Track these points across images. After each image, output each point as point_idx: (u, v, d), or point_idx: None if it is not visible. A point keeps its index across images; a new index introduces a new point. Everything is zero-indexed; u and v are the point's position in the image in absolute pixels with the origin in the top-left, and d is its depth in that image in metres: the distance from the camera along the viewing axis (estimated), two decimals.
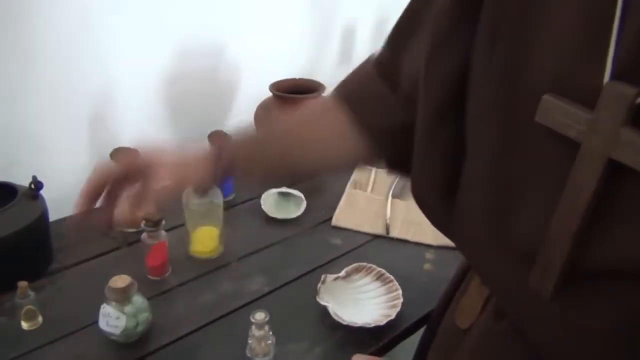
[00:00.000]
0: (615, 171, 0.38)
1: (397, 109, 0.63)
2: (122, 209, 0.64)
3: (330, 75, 1.60)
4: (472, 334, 0.61)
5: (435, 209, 0.58)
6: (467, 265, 0.71)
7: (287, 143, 0.69)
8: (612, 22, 0.37)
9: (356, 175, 1.29)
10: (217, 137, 1.12)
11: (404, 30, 0.63)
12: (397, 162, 0.67)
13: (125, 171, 0.63)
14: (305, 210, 1.14)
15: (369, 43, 1.67)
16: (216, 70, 1.34)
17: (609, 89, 0.37)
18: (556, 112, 0.40)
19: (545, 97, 0.41)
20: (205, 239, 1.00)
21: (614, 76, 0.37)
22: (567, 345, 0.47)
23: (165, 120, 1.28)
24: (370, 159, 0.71)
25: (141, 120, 1.22)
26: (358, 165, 0.78)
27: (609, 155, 0.38)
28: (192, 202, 0.96)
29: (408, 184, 1.26)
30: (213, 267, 0.98)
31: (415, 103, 0.58)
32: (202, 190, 0.70)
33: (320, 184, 1.27)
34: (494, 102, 0.47)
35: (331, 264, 1.01)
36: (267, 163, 0.69)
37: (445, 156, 0.53)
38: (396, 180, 1.25)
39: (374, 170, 1.31)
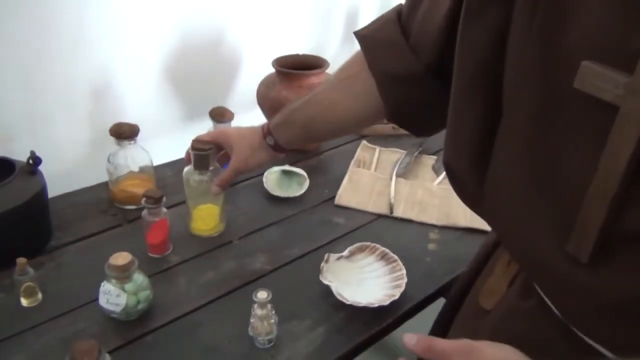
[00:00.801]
0: None
1: (404, 57, 0.68)
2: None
3: (334, 52, 1.58)
4: (496, 314, 0.61)
5: (466, 179, 0.58)
6: (492, 246, 0.70)
7: (306, 125, 0.84)
8: None
9: (360, 154, 1.27)
10: (218, 113, 1.10)
11: None
12: (395, 112, 0.75)
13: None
14: (308, 188, 1.12)
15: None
16: (218, 46, 1.31)
17: None
18: (595, 77, 0.40)
19: (585, 63, 0.40)
20: (205, 217, 0.98)
21: None
22: (598, 316, 0.47)
23: (166, 97, 1.26)
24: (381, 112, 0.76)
25: (141, 96, 1.20)
26: (373, 120, 0.85)
27: None
28: (192, 179, 0.94)
29: (412, 163, 1.25)
30: (214, 246, 0.97)
31: (420, 55, 0.67)
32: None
33: (323, 162, 1.26)
34: (533, 68, 0.46)
35: (334, 243, 0.99)
36: (297, 138, 0.87)
37: (479, 122, 0.53)
38: (400, 159, 1.23)
39: (377, 148, 1.29)
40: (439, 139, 1.33)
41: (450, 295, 0.78)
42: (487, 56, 0.51)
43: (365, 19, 1.61)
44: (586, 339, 0.49)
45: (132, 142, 1.01)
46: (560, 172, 0.45)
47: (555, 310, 0.52)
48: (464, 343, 0.46)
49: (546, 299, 0.53)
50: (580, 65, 0.40)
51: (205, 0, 1.23)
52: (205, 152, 0.90)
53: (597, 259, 0.44)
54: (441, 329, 0.76)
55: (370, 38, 0.74)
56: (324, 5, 1.51)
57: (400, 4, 0.73)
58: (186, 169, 0.96)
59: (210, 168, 0.93)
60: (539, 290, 0.54)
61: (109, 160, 1.02)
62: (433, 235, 1.03)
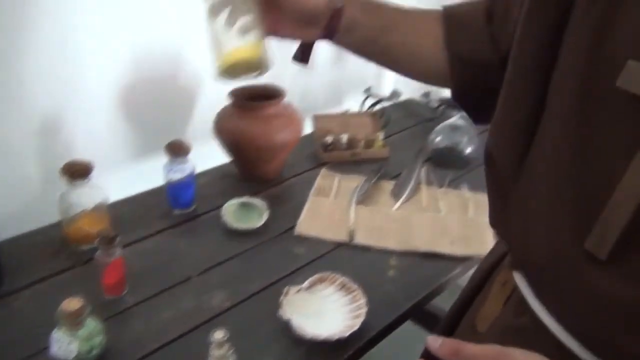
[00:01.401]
0: None
1: (482, 42, 0.68)
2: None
3: (292, 81, 1.59)
4: (491, 334, 0.62)
5: (504, 169, 0.59)
6: (489, 269, 0.71)
7: (387, 28, 0.72)
8: None
9: (319, 182, 1.28)
10: (174, 147, 1.09)
11: None
12: (461, 94, 0.73)
13: None
14: (268, 219, 1.11)
15: (329, 48, 1.65)
16: (175, 78, 1.30)
17: None
18: (637, 76, 0.42)
19: (630, 62, 0.42)
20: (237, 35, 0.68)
21: None
22: (604, 319, 0.47)
23: (120, 131, 1.24)
24: (447, 82, 0.74)
25: (95, 131, 1.18)
26: (437, 83, 0.80)
27: None
28: None
29: (371, 189, 1.26)
30: (172, 283, 0.95)
31: (499, 44, 0.66)
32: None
33: (283, 192, 1.25)
34: (580, 63, 0.48)
35: (295, 274, 0.99)
36: (367, 30, 0.71)
37: (525, 113, 0.55)
38: (360, 186, 1.24)
39: (337, 176, 1.30)
40: (395, 164, 1.35)
41: (446, 317, 0.79)
42: (541, 51, 0.53)
43: (321, 46, 1.62)
44: (581, 354, 0.49)
45: (86, 180, 0.99)
46: (593, 167, 0.47)
47: (548, 325, 0.52)
48: (495, 348, 0.46)
49: (541, 314, 0.53)
50: (625, 64, 0.42)
51: (160, 32, 1.23)
52: None
53: (615, 258, 0.45)
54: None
55: (457, 16, 0.72)
56: None
57: None
58: None
59: None
60: (533, 307, 0.54)
61: (61, 200, 1.00)
62: (393, 261, 1.04)
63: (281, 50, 1.59)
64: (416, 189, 1.26)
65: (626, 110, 0.43)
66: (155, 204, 1.16)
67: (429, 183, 1.29)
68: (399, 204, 1.20)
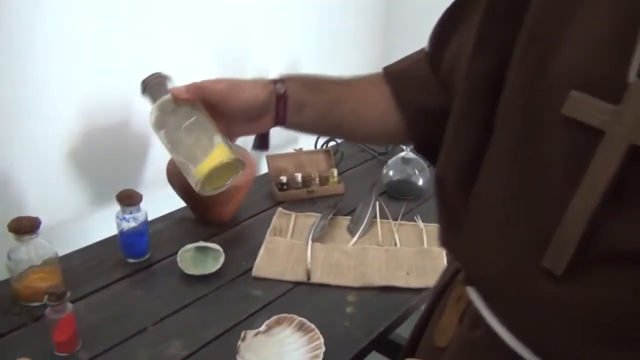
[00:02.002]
0: (634, 157, 0.43)
1: (434, 92, 0.68)
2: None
3: None
4: (450, 349, 0.63)
5: (454, 193, 0.61)
6: (444, 286, 0.72)
7: (335, 102, 0.71)
8: (635, 29, 0.42)
9: (276, 222, 1.28)
10: (125, 196, 1.09)
11: (449, 24, 0.68)
12: (424, 146, 0.73)
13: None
14: (225, 263, 1.11)
15: None
16: (126, 126, 1.30)
17: (636, 85, 0.42)
18: (583, 105, 0.45)
19: (573, 92, 0.45)
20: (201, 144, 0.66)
21: (639, 74, 0.42)
22: (561, 333, 0.49)
23: (69, 183, 1.22)
24: (405, 139, 0.75)
25: (42, 184, 1.16)
26: (395, 142, 0.80)
27: (632, 142, 0.42)
28: (156, 108, 0.68)
29: (327, 226, 1.27)
30: (127, 335, 0.93)
31: (450, 90, 0.65)
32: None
33: (240, 233, 1.25)
34: (524, 93, 0.51)
35: (252, 317, 0.98)
36: (316, 108, 0.70)
37: (472, 142, 0.58)
38: (316, 223, 1.25)
39: (293, 214, 1.31)
40: (351, 199, 1.37)
41: (408, 339, 0.79)
42: (486, 85, 0.56)
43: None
44: None
45: (34, 235, 0.97)
46: (542, 189, 0.49)
47: (503, 338, 0.54)
48: None
49: (496, 327, 0.55)
50: (569, 94, 0.45)
51: (111, 80, 1.23)
52: (158, 78, 0.70)
53: (572, 273, 0.46)
54: None
55: (401, 74, 0.74)
56: (231, 71, 1.55)
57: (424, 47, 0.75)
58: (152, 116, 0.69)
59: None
60: (488, 320, 0.56)
61: (9, 257, 0.98)
62: (350, 297, 1.04)
63: None
64: (372, 224, 1.28)
65: (571, 136, 0.47)
66: (108, 254, 1.14)
67: (384, 216, 1.31)
68: (354, 239, 1.21)
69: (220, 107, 0.64)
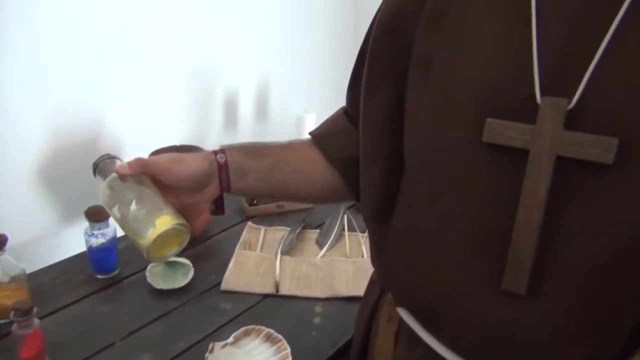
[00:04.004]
0: (562, 167, 0.46)
1: (356, 142, 0.70)
2: None
3: (215, 140, 1.63)
4: None
5: (372, 227, 0.64)
6: (373, 305, 0.73)
7: (276, 165, 0.74)
8: (530, 50, 0.46)
9: (245, 236, 1.30)
10: (94, 212, 1.09)
11: (355, 78, 0.71)
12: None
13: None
14: (194, 277, 1.12)
15: (252, 108, 1.71)
16: (95, 142, 1.31)
17: (546, 103, 0.46)
18: (502, 130, 0.48)
19: (489, 120, 0.48)
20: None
21: (543, 92, 0.46)
22: (512, 346, 0.51)
23: (38, 199, 1.22)
24: (348, 193, 0.77)
25: (9, 201, 1.16)
26: (340, 198, 0.82)
27: (557, 154, 0.46)
28: (105, 187, 0.71)
29: (296, 239, 1.30)
30: (95, 351, 0.94)
31: None
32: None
33: (210, 248, 1.27)
34: (430, 125, 0.53)
35: (221, 330, 0.99)
36: (258, 172, 0.73)
37: (383, 177, 0.61)
38: (285, 237, 1.27)
39: (263, 229, 1.33)
40: (320, 213, 1.40)
41: (351, 357, 0.81)
42: (384, 123, 0.60)
43: (244, 104, 1.68)
44: None
45: (0, 252, 0.97)
46: (480, 213, 0.51)
47: (443, 355, 0.56)
48: None
49: (434, 345, 0.56)
50: (485, 122, 0.48)
51: (80, 96, 1.24)
52: (107, 159, 0.73)
53: (533, 291, 0.49)
54: None
55: (325, 134, 0.77)
56: (202, 96, 1.57)
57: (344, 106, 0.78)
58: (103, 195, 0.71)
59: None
60: (424, 339, 0.58)
61: None
62: (318, 308, 1.06)
63: (204, 113, 1.63)
64: (340, 236, 1.31)
65: (496, 160, 0.49)
66: (77, 270, 1.15)
67: (352, 229, 1.34)
68: (323, 252, 1.24)
69: (163, 180, 0.67)
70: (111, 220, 1.11)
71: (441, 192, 0.54)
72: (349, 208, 1.43)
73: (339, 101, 0.80)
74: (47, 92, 1.16)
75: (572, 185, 0.47)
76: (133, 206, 0.66)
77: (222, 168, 0.70)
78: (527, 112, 0.47)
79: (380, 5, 0.63)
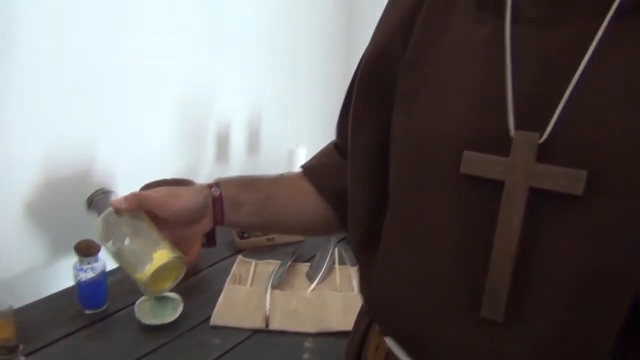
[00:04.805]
0: (535, 198, 0.48)
1: (347, 174, 0.71)
2: None
3: (207, 173, 1.64)
4: None
5: (359, 256, 0.65)
6: (360, 341, 0.73)
7: (269, 198, 0.75)
8: (505, 86, 0.49)
9: (236, 270, 1.30)
10: (83, 246, 1.09)
11: (344, 112, 0.72)
12: None
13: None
14: (184, 311, 1.11)
15: (244, 141, 1.73)
16: (87, 175, 1.32)
17: (519, 137, 0.48)
18: (478, 162, 0.50)
19: (467, 152, 0.50)
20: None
21: (517, 126, 0.48)
22: None
23: (27, 233, 1.22)
24: (339, 225, 0.77)
25: (2, 234, 1.16)
26: (332, 230, 0.83)
27: (530, 185, 0.48)
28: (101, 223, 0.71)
29: (287, 273, 1.29)
30: None
31: None
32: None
33: (200, 282, 1.26)
34: (413, 158, 0.55)
35: None
36: (252, 205, 0.74)
37: (368, 205, 0.63)
38: (275, 270, 1.27)
39: (253, 262, 1.33)
40: (310, 246, 1.40)
41: None
42: (371, 156, 0.62)
43: (236, 138, 1.70)
44: None
45: None
46: (457, 244, 0.52)
47: None
48: None
49: None
50: (462, 154, 0.50)
51: (73, 128, 1.25)
52: (102, 193, 0.73)
53: (511, 318, 0.50)
54: None
55: (316, 166, 0.78)
56: (194, 129, 1.58)
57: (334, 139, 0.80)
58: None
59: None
60: None
61: None
62: (308, 343, 1.06)
63: (196, 146, 1.64)
64: (330, 270, 1.31)
65: (473, 191, 0.51)
66: (65, 305, 1.14)
67: (343, 262, 1.34)
68: (313, 285, 1.24)
69: (160, 214, 0.67)
70: (101, 255, 1.11)
71: (422, 222, 0.55)
72: (339, 241, 1.43)
73: (330, 135, 0.81)
74: (37, 125, 1.17)
75: (546, 216, 0.48)
76: (129, 240, 0.66)
77: (217, 201, 0.70)
78: (502, 145, 0.49)
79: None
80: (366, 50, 0.65)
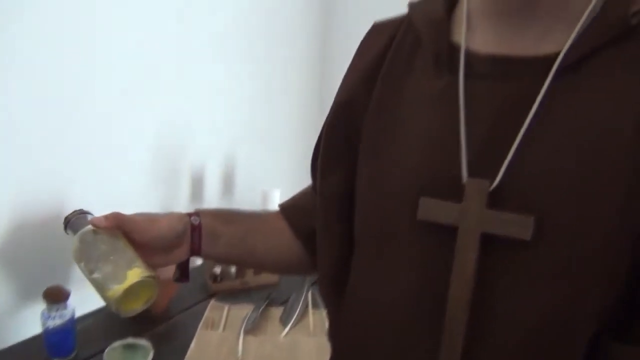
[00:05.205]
0: (488, 243, 0.50)
1: None
2: None
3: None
4: None
5: (327, 301, 0.67)
6: None
7: (248, 232, 0.76)
8: (459, 137, 0.52)
9: (208, 315, 1.28)
10: (52, 293, 1.07)
11: (317, 155, 0.74)
12: None
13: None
14: (154, 359, 1.09)
15: (218, 183, 1.74)
16: (55, 221, 1.30)
17: (470, 184, 0.51)
18: (434, 208, 0.52)
19: (423, 199, 0.53)
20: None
21: (470, 174, 0.50)
22: None
23: None
24: (311, 266, 0.77)
25: None
26: (305, 270, 0.82)
27: (482, 231, 0.50)
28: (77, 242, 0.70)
29: (260, 317, 1.28)
30: None
31: None
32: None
33: (172, 328, 1.24)
34: (374, 205, 0.58)
35: None
36: (230, 238, 0.74)
37: (334, 255, 0.65)
38: (248, 315, 1.26)
39: (226, 306, 1.31)
40: (284, 289, 1.40)
41: None
42: (337, 202, 0.64)
43: (210, 179, 1.70)
44: None
45: None
46: (417, 289, 0.54)
47: None
48: None
49: None
50: (419, 201, 0.52)
51: (42, 173, 1.24)
52: (80, 214, 0.74)
53: None
54: None
55: (293, 206, 0.80)
56: (168, 173, 1.59)
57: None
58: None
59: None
60: None
61: None
62: None
63: (170, 189, 1.64)
64: (304, 313, 1.30)
65: (430, 236, 0.53)
66: (32, 354, 1.11)
67: (316, 306, 1.34)
68: (286, 330, 1.23)
69: (137, 237, 0.67)
70: (70, 301, 1.09)
71: (385, 268, 0.57)
72: (313, 284, 1.43)
73: (304, 177, 0.83)
74: (5, 167, 1.16)
75: (498, 260, 0.50)
76: (105, 259, 0.66)
77: (195, 230, 0.71)
78: (456, 192, 0.51)
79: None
80: (334, 99, 0.68)
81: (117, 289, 0.63)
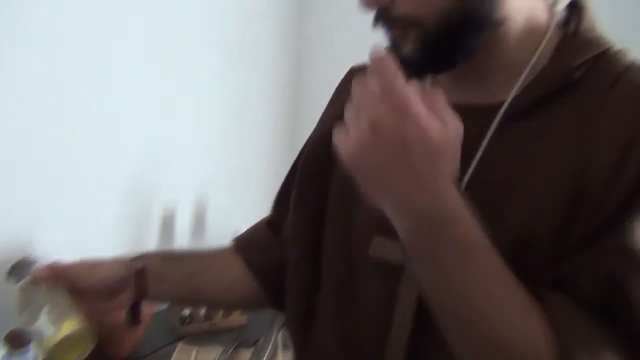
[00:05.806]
0: None
1: (276, 251, 0.74)
2: None
3: (152, 249, 1.61)
4: None
5: (295, 338, 0.68)
6: None
7: (196, 271, 0.76)
8: None
9: (177, 357, 1.26)
10: (13, 337, 1.04)
11: (284, 191, 0.77)
12: (278, 302, 0.75)
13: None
14: None
15: (189, 223, 1.73)
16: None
17: None
18: (384, 246, 0.54)
19: (375, 237, 0.55)
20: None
21: None
22: None
23: None
24: (265, 300, 0.78)
25: None
26: (257, 305, 0.84)
27: None
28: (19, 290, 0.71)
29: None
30: None
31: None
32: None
33: None
34: (339, 243, 0.61)
35: None
36: (177, 278, 0.74)
37: (303, 291, 0.67)
38: (217, 358, 1.24)
39: (195, 349, 1.29)
40: (254, 331, 1.38)
41: None
42: (308, 239, 0.66)
43: (181, 219, 1.69)
44: None
45: None
46: (375, 323, 0.56)
47: None
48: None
49: None
50: (372, 239, 0.55)
51: (5, 215, 1.22)
52: (25, 262, 0.73)
53: None
54: None
55: (247, 241, 0.80)
56: (138, 214, 1.57)
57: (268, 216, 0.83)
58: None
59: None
60: None
61: None
62: None
63: (140, 231, 1.62)
64: (273, 355, 1.29)
65: (381, 272, 0.56)
66: None
67: (286, 348, 1.32)
68: None
69: (78, 285, 0.68)
70: (32, 345, 1.06)
71: (346, 303, 0.60)
72: (283, 325, 1.42)
73: None
74: None
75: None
76: (42, 311, 0.66)
77: (139, 274, 0.71)
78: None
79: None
80: (309, 137, 0.71)
81: (51, 339, 0.64)
